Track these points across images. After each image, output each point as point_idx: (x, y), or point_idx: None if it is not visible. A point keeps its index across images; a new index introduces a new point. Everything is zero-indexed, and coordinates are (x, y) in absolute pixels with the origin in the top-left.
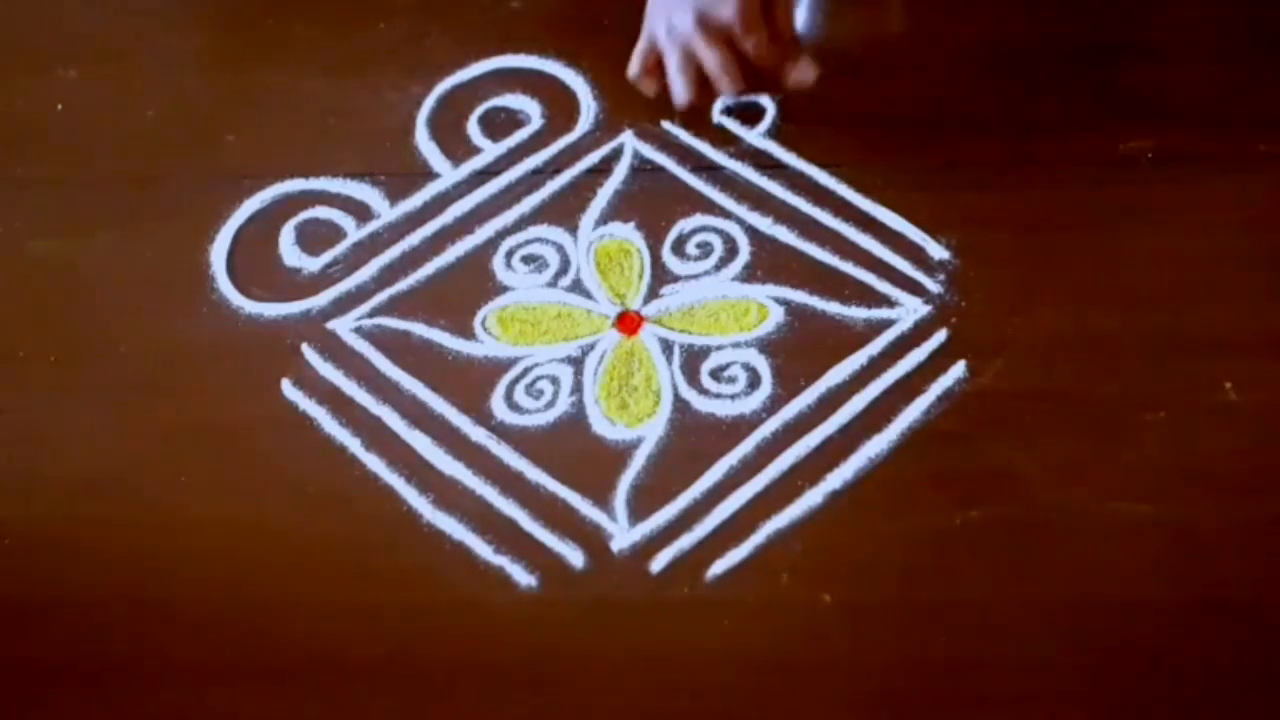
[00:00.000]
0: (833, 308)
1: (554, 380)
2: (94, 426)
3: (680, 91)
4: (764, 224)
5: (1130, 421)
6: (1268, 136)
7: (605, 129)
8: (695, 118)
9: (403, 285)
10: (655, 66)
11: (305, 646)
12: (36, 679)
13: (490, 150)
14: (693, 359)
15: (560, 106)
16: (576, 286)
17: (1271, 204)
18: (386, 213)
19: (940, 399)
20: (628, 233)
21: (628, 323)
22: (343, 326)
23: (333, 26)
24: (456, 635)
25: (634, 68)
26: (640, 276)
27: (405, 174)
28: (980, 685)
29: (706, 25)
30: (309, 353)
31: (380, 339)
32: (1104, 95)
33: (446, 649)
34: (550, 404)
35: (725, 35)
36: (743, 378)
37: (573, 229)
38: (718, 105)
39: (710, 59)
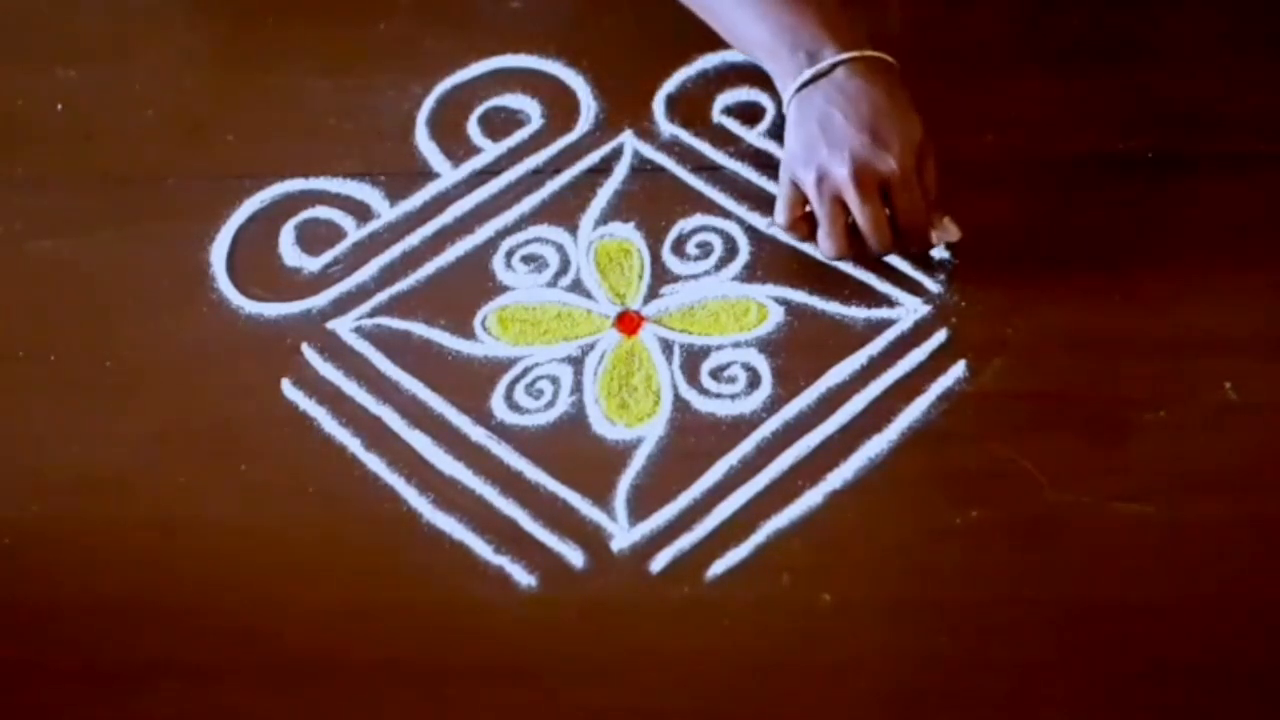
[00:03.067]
0: (833, 308)
1: (554, 380)
2: (94, 426)
3: (835, 247)
4: (764, 224)
5: (1130, 421)
6: (1268, 136)
7: (605, 129)
8: (695, 117)
9: (403, 285)
10: (801, 213)
11: (305, 646)
12: (37, 679)
13: (490, 150)
14: (693, 359)
15: (560, 106)
16: (576, 286)
17: (1271, 204)
18: (386, 213)
19: (940, 399)
20: (628, 233)
21: (628, 322)
22: (343, 326)
23: (333, 26)
24: (457, 635)
25: (782, 216)
26: (640, 276)
27: (405, 174)
28: (980, 685)
29: (863, 179)
30: (309, 353)
31: (380, 339)
32: (1104, 95)
33: (446, 649)
34: (550, 404)
35: (880, 190)
36: (743, 378)
37: (573, 229)
38: (718, 105)
39: (867, 215)
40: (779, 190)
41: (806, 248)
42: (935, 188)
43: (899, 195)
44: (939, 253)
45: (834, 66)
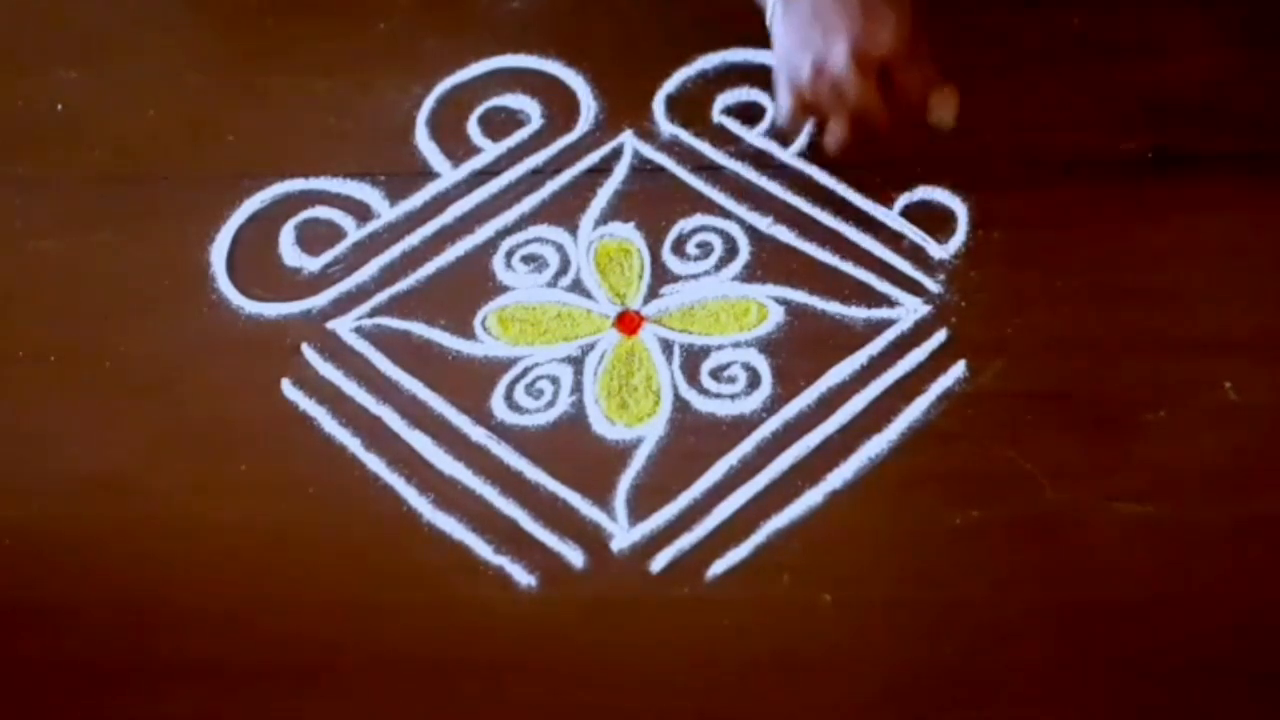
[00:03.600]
0: (833, 308)
1: (554, 380)
2: (94, 426)
3: (840, 136)
4: (764, 224)
5: (1130, 421)
6: (1268, 136)
7: (605, 129)
8: (695, 117)
9: (403, 285)
10: (803, 108)
11: (305, 646)
12: (37, 679)
13: (490, 150)
14: (693, 359)
15: (560, 106)
16: (576, 286)
17: (1271, 204)
18: (386, 213)
19: (940, 399)
20: (628, 232)
21: (628, 322)
22: (343, 326)
23: (333, 26)
24: (456, 635)
25: (784, 111)
26: (640, 276)
27: (405, 174)
28: (980, 685)
29: (862, 60)
30: (309, 353)
31: (380, 339)
32: (1104, 95)
33: (446, 649)
34: (550, 404)
35: (879, 71)
36: (743, 378)
37: (573, 229)
38: (718, 105)
39: (869, 96)
40: (778, 93)
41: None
42: (930, 64)
43: (900, 71)
44: (939, 253)
45: None
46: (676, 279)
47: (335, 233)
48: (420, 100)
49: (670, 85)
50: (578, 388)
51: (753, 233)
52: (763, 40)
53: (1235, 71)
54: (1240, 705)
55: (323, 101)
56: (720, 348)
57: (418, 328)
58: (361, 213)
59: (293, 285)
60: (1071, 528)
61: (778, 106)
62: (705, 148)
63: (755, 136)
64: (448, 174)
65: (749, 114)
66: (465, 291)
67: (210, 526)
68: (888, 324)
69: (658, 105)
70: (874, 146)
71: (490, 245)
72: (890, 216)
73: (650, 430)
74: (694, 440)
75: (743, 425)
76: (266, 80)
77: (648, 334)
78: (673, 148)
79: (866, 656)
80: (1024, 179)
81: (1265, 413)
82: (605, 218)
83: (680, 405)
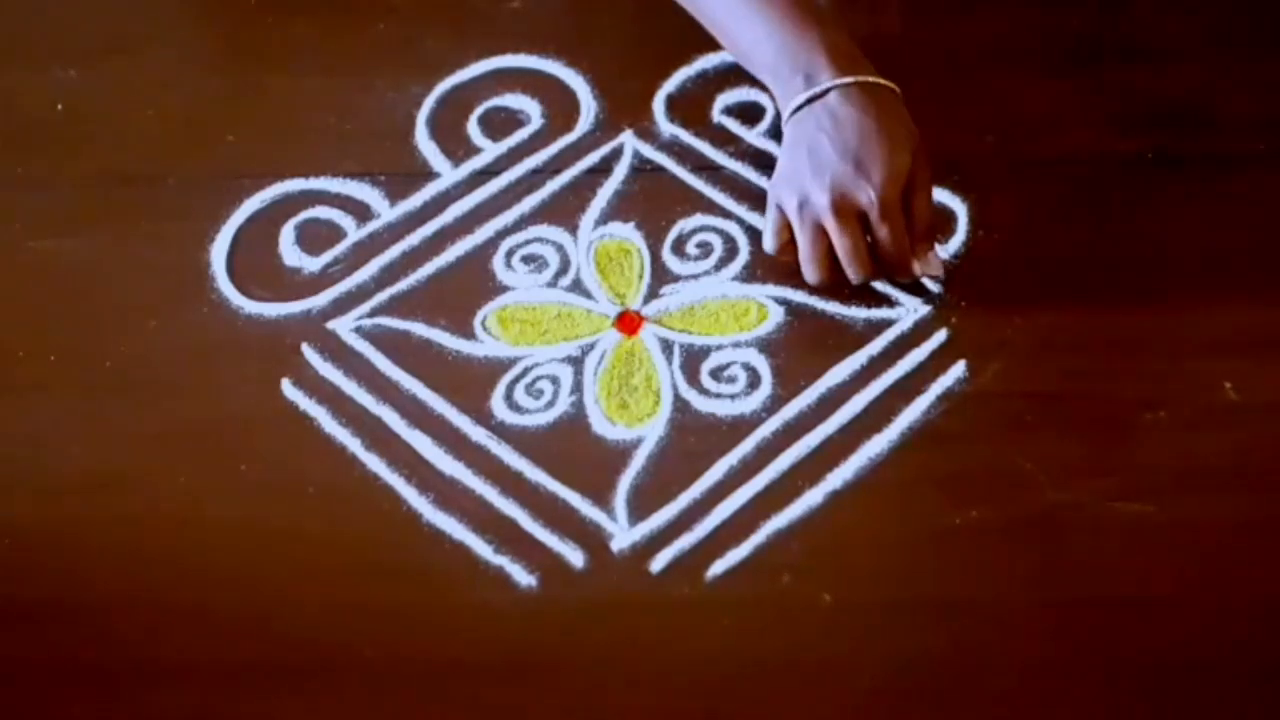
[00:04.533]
0: (833, 308)
1: (554, 380)
2: (94, 426)
3: (815, 274)
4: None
5: (1130, 421)
6: (1268, 136)
7: (605, 129)
8: (695, 117)
9: (403, 285)
10: (789, 237)
11: (305, 646)
12: (37, 679)
13: (490, 150)
14: (693, 359)
15: (560, 106)
16: (576, 286)
17: (1271, 204)
18: (386, 213)
19: (940, 399)
20: (628, 233)
21: (628, 322)
22: (343, 326)
23: (333, 26)
24: (457, 635)
25: (770, 243)
26: (640, 276)
27: (405, 174)
28: (980, 685)
29: (841, 208)
30: (309, 353)
31: (380, 339)
32: (1104, 95)
33: (446, 649)
34: (550, 404)
35: (859, 219)
36: (743, 378)
37: (573, 229)
38: (718, 105)
39: (843, 245)
40: (766, 215)
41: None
42: (925, 219)
43: (877, 227)
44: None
45: (828, 90)
46: (676, 279)
47: (335, 233)
48: (420, 100)
49: (670, 85)
50: (578, 388)
51: (753, 233)
52: None
53: (1235, 72)
54: (1240, 705)
55: (323, 101)
56: (720, 348)
57: (418, 328)
58: (361, 213)
59: (293, 285)
60: (1071, 528)
61: (765, 228)
62: (705, 148)
63: (755, 136)
64: (448, 174)
65: (749, 114)
66: (465, 291)
67: (210, 526)
68: (888, 324)
69: (658, 105)
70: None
71: (490, 245)
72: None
73: (650, 430)
74: (694, 440)
75: (743, 425)
76: (266, 80)
77: (648, 334)
78: (673, 148)
79: (866, 656)
80: (1024, 179)
81: (1265, 413)
82: (605, 218)
83: (680, 405)
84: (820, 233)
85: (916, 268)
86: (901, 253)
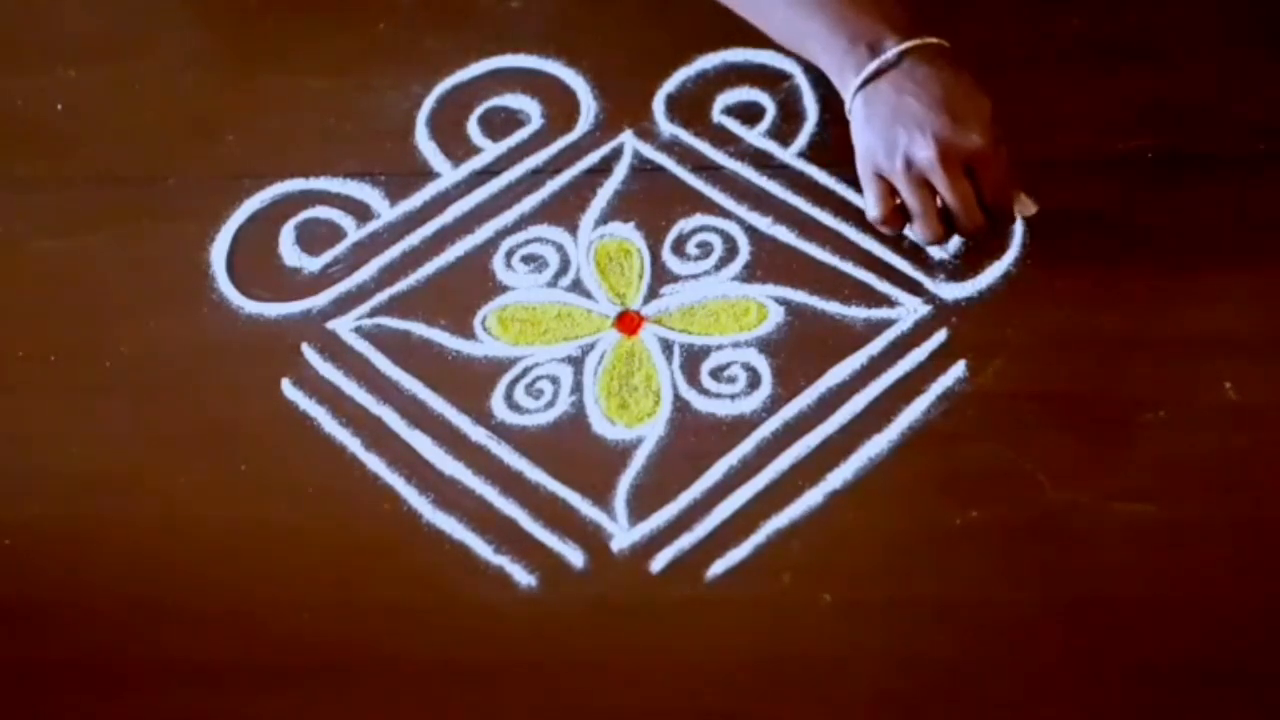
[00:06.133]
0: (833, 308)
1: (554, 380)
2: (94, 426)
3: (931, 231)
4: (764, 224)
5: (1130, 421)
6: (1268, 136)
7: (605, 129)
8: (695, 117)
9: (403, 285)
10: (894, 204)
11: (305, 646)
12: (37, 679)
13: (490, 150)
14: (693, 359)
15: (560, 106)
16: (576, 286)
17: (1271, 204)
18: (386, 213)
19: (940, 399)
20: (628, 232)
21: (628, 322)
22: (343, 326)
23: (333, 26)
24: (457, 635)
25: (876, 211)
26: (640, 276)
27: (405, 174)
28: (980, 685)
29: (949, 158)
30: (309, 353)
31: (380, 339)
32: (1104, 95)
33: (447, 649)
34: (550, 404)
35: (965, 168)
36: (743, 378)
37: (573, 229)
38: (718, 105)
39: (958, 194)
40: (865, 187)
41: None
42: (1010, 162)
43: (985, 171)
44: (939, 253)
45: (899, 56)
46: (676, 279)
47: (335, 233)
48: (420, 100)
49: (670, 85)
50: (578, 388)
51: (753, 233)
52: (761, 40)
53: (1235, 72)
54: (1240, 706)
55: (323, 101)
56: (720, 348)
57: (418, 328)
58: (361, 213)
59: (293, 285)
60: (1071, 528)
61: (866, 200)
62: (705, 148)
63: (755, 136)
64: (448, 174)
65: (749, 114)
66: (465, 291)
67: (210, 526)
68: (888, 324)
69: (658, 105)
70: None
71: (490, 245)
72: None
73: (650, 430)
74: (694, 440)
75: (743, 425)
76: (266, 80)
77: (648, 334)
78: (673, 148)
79: (866, 656)
80: (1023, 179)
81: (1265, 413)
82: (605, 218)
83: (680, 405)
84: (929, 189)
85: (1018, 209)
86: (1009, 196)
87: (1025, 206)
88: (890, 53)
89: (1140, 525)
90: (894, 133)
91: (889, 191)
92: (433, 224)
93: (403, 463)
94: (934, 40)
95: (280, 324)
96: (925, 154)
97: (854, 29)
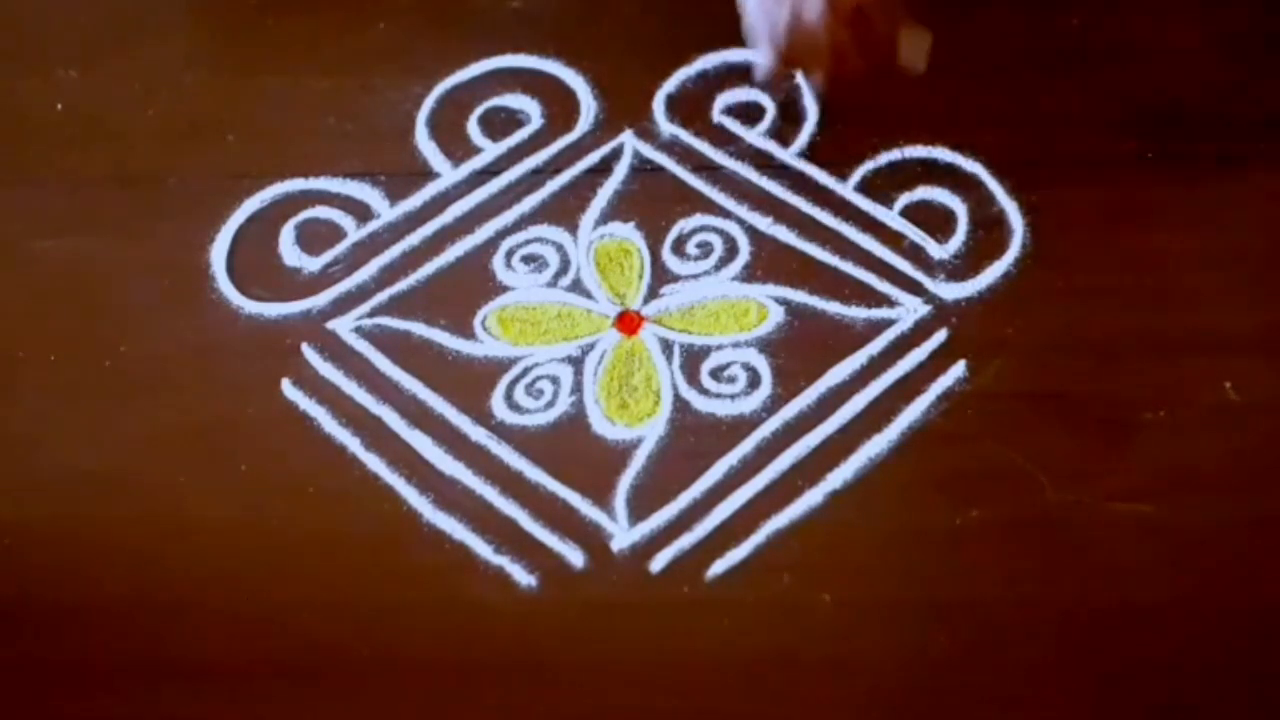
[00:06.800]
0: (833, 308)
1: (554, 380)
2: (94, 426)
3: (818, 85)
4: (764, 224)
5: (1130, 421)
6: (1268, 136)
7: (605, 129)
8: (695, 117)
9: (403, 285)
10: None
11: (305, 646)
12: (37, 679)
13: (490, 150)
14: (693, 359)
15: (560, 106)
16: (576, 286)
17: (1271, 204)
18: (386, 213)
19: (940, 399)
20: (628, 232)
21: (628, 322)
22: (343, 326)
23: (332, 26)
24: (456, 635)
25: (764, 67)
26: (640, 276)
27: (405, 174)
28: (980, 685)
29: (837, 7)
30: (309, 353)
31: (380, 339)
32: (1104, 95)
33: (446, 648)
34: (550, 404)
35: (851, 17)
36: (743, 378)
37: (573, 229)
38: (718, 105)
39: (841, 41)
40: (754, 47)
41: None
42: (902, 9)
43: (872, 14)
44: (939, 253)
45: None
46: (676, 279)
47: (335, 233)
48: (420, 100)
49: (670, 85)
50: (578, 388)
51: (753, 233)
52: None
53: (1235, 72)
54: (1240, 706)
55: (323, 101)
56: (720, 348)
57: (418, 328)
58: (361, 213)
59: (293, 285)
60: (1071, 528)
61: (755, 63)
62: (705, 148)
63: (755, 136)
64: (448, 174)
65: (749, 114)
66: (465, 291)
67: (210, 526)
68: (888, 324)
69: (658, 105)
70: (857, 96)
71: (490, 245)
72: (890, 216)
73: (650, 430)
74: (694, 440)
75: (743, 425)
76: (266, 80)
77: (648, 334)
78: (673, 148)
79: (866, 656)
80: (1023, 179)
81: (1265, 413)
82: (605, 218)
83: (680, 405)
84: (815, 42)
85: (904, 53)
86: (891, 36)
87: (915, 52)
88: None
89: (1140, 525)
90: None
91: (778, 52)
92: (433, 224)
93: (403, 463)
94: None
95: (280, 324)
96: (813, 6)
97: None
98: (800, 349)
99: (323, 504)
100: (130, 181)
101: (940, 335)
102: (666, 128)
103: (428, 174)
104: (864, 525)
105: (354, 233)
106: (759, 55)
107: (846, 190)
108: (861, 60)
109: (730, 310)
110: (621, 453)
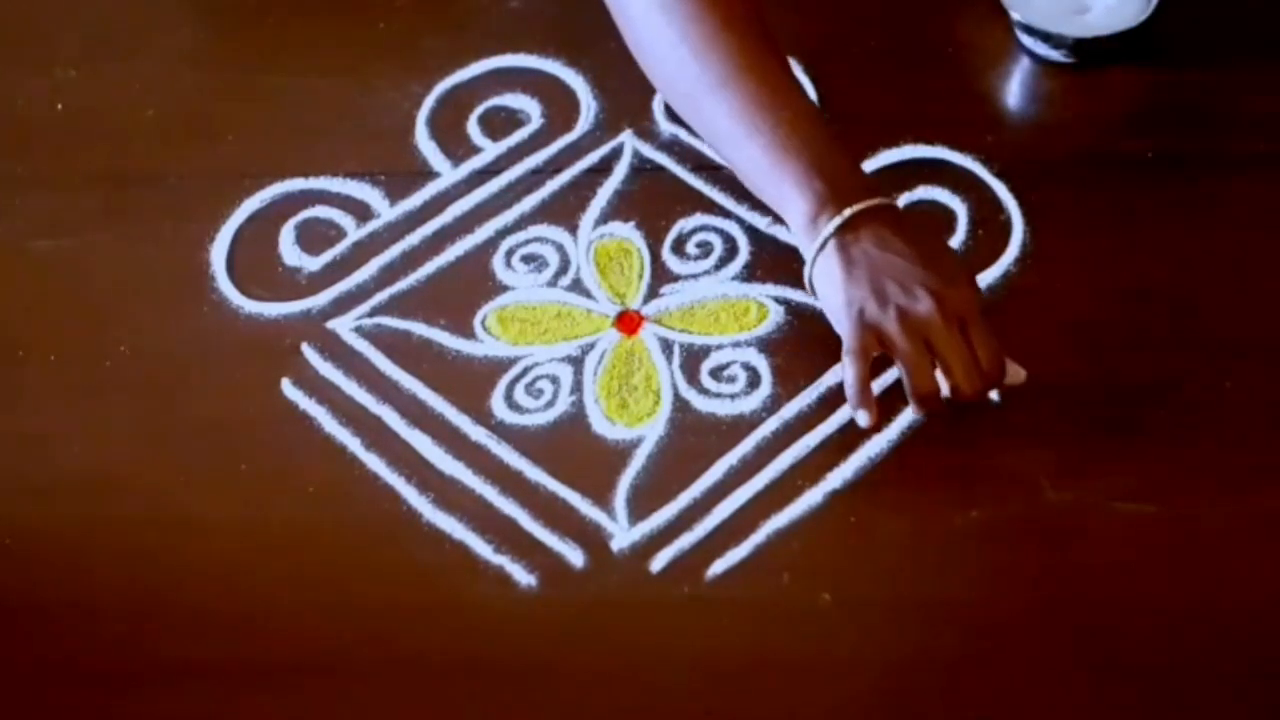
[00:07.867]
0: None
1: (554, 380)
2: (94, 426)
3: (930, 385)
4: (764, 223)
5: (1131, 421)
6: (1268, 136)
7: (605, 129)
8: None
9: (403, 285)
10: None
11: (305, 646)
12: (36, 679)
13: (490, 150)
14: (693, 358)
15: (560, 106)
16: (576, 286)
17: (1272, 204)
18: (386, 212)
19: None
20: (627, 232)
21: (627, 322)
22: (343, 326)
23: (332, 26)
24: (456, 635)
25: (858, 394)
26: (640, 276)
27: (405, 174)
28: (980, 685)
29: (947, 311)
30: (309, 353)
31: (380, 339)
32: (1104, 95)
33: (446, 649)
34: (550, 403)
35: (960, 326)
36: (743, 377)
37: (572, 228)
38: None
39: (957, 349)
40: (850, 337)
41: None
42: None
43: (978, 330)
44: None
45: (875, 210)
46: (676, 279)
47: (335, 232)
48: (420, 100)
49: None
50: (578, 387)
51: (753, 232)
52: None
53: (1235, 72)
54: (1240, 706)
55: (323, 101)
56: (720, 347)
57: (418, 327)
58: (361, 212)
59: (293, 285)
60: (1071, 528)
61: (848, 378)
62: (705, 147)
63: None
64: (448, 174)
65: None
66: (465, 291)
67: (210, 526)
68: None
69: (658, 105)
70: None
71: (490, 245)
72: None
73: (650, 430)
74: (694, 440)
75: (743, 425)
76: (266, 80)
77: (648, 334)
78: (672, 147)
79: (866, 656)
80: (1023, 179)
81: (1265, 413)
82: (605, 217)
83: (680, 405)
84: (925, 345)
85: (1008, 375)
86: (1002, 358)
87: (1015, 374)
88: (867, 203)
89: (1140, 525)
90: (882, 283)
91: (875, 342)
92: (433, 224)
93: (403, 462)
94: (890, 202)
95: (280, 324)
96: (923, 306)
97: (826, 181)
98: (800, 349)
99: (322, 503)
100: (130, 181)
101: None
102: (666, 128)
103: (428, 174)
104: (864, 525)
105: (354, 232)
106: (850, 339)
107: None
108: (978, 375)
109: (730, 310)
110: (621, 452)
